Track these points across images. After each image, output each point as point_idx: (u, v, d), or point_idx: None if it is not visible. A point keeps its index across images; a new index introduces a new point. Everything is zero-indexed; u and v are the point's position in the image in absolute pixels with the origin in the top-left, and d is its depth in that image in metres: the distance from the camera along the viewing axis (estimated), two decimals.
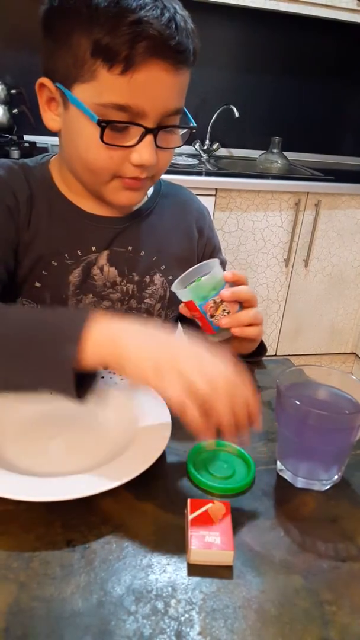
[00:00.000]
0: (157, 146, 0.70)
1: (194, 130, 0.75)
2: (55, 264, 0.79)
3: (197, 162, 2.26)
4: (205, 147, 2.41)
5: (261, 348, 0.84)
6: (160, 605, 0.45)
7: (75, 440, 0.63)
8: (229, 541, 0.49)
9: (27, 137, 2.11)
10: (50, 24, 0.67)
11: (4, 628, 0.42)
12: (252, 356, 0.84)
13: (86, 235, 0.80)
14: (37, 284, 0.79)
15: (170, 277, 0.87)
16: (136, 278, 0.84)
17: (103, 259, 0.81)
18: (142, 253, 0.84)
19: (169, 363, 0.52)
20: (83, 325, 0.55)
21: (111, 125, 0.66)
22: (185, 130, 0.75)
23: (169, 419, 0.63)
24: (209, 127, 2.41)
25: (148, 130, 0.68)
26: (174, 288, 0.72)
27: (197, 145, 2.40)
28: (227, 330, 0.71)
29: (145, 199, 0.87)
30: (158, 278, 0.86)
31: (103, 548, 0.50)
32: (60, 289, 0.80)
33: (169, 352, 0.54)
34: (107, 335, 0.55)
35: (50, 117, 0.73)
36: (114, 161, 0.70)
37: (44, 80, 0.70)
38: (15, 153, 1.91)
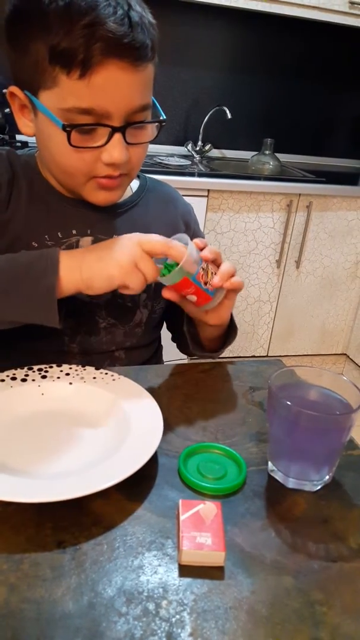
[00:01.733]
0: (127, 143, 0.70)
1: (164, 124, 0.75)
2: (36, 245, 0.79)
3: (189, 163, 2.26)
4: (197, 148, 2.41)
5: (232, 326, 0.86)
6: (151, 606, 0.45)
7: (66, 441, 0.62)
8: (220, 542, 0.49)
9: (19, 137, 2.10)
10: (9, 33, 0.68)
11: None
12: (227, 338, 0.87)
13: (67, 218, 0.81)
14: None
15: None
16: None
17: (87, 244, 0.81)
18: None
19: (126, 261, 0.66)
20: (55, 259, 0.65)
21: (78, 128, 0.67)
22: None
23: (160, 420, 0.63)
24: (201, 128, 2.41)
25: (115, 129, 0.68)
26: (160, 277, 0.72)
27: (189, 146, 2.41)
28: (222, 289, 0.74)
29: (130, 192, 0.88)
30: None
31: (94, 549, 0.50)
32: None
33: (120, 254, 0.66)
34: (74, 263, 0.66)
35: (24, 123, 0.74)
36: (86, 163, 0.71)
37: (13, 88, 0.71)
38: None
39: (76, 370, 0.74)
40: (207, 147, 2.41)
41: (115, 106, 0.67)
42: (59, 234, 0.80)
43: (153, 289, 0.88)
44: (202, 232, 0.99)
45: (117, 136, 0.69)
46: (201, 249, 0.73)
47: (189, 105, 2.42)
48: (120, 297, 0.85)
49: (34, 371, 0.72)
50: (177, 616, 0.44)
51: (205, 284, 0.71)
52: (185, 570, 0.49)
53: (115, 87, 0.65)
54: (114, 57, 0.63)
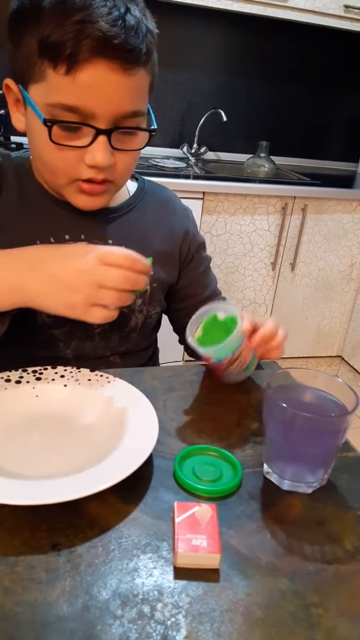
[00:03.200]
0: (113, 147, 0.69)
1: (153, 134, 0.73)
2: None
3: (184, 165, 2.27)
4: (192, 151, 2.41)
5: None
6: (146, 609, 0.45)
7: (60, 443, 0.62)
8: (216, 544, 0.49)
9: (14, 139, 2.10)
10: (10, 28, 0.68)
11: None
12: None
13: (59, 223, 0.79)
14: None
15: (151, 274, 0.86)
16: None
17: None
18: (123, 247, 0.84)
19: (80, 302, 0.60)
20: None
21: (62, 125, 0.66)
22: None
23: (155, 422, 0.63)
24: (197, 130, 2.41)
25: (99, 132, 0.67)
26: (189, 334, 0.72)
27: (184, 149, 2.41)
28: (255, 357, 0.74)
29: (128, 195, 0.87)
30: None
31: (89, 552, 0.49)
32: None
33: (74, 291, 0.60)
34: (12, 284, 0.62)
35: (17, 117, 0.73)
36: (69, 162, 0.70)
37: (8, 81, 0.71)
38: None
39: (71, 372, 0.74)
40: (202, 150, 2.41)
41: (101, 107, 0.65)
42: (51, 239, 0.79)
43: (148, 295, 0.87)
44: (201, 235, 0.99)
45: (102, 139, 0.67)
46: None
47: (185, 107, 2.43)
48: None
49: (28, 373, 0.72)
50: (173, 619, 0.44)
51: (226, 369, 0.72)
52: (181, 573, 0.48)
53: (102, 87, 0.64)
54: (102, 56, 0.62)
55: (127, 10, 0.64)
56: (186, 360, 1.99)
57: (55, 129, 0.66)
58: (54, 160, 0.70)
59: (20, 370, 0.72)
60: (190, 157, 2.40)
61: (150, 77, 0.70)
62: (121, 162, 0.72)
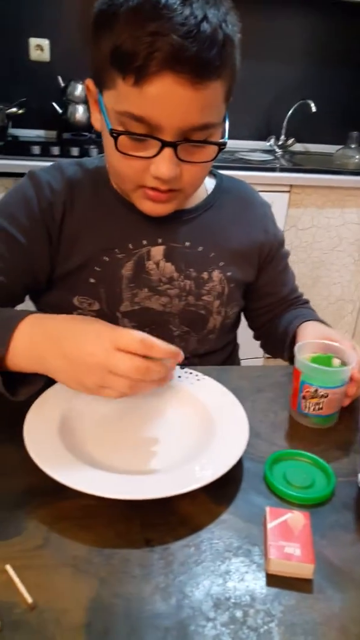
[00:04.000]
0: (180, 159, 0.67)
1: (224, 147, 0.70)
2: (107, 259, 0.79)
3: (271, 158, 2.22)
4: (280, 143, 2.36)
5: None
6: (238, 614, 0.45)
7: (154, 440, 0.63)
8: (309, 554, 0.48)
9: None
10: (92, 31, 0.67)
11: (86, 623, 0.43)
12: None
13: (137, 229, 0.80)
14: (92, 280, 0.80)
15: (229, 274, 0.85)
16: (194, 274, 0.83)
17: (159, 253, 0.81)
18: (200, 249, 0.83)
19: (91, 383, 0.58)
20: (8, 333, 0.62)
21: (129, 135, 0.66)
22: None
23: (246, 423, 0.63)
24: (285, 122, 2.36)
25: (165, 144, 0.65)
26: (298, 346, 0.71)
27: (271, 141, 2.36)
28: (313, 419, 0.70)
29: (205, 194, 0.86)
30: (216, 274, 0.84)
31: (182, 550, 0.50)
32: (114, 283, 0.80)
33: (86, 372, 0.58)
34: (31, 352, 0.62)
35: (95, 117, 0.73)
36: (134, 170, 0.69)
37: (89, 82, 0.71)
38: (94, 152, 1.96)
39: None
40: (290, 142, 2.36)
41: (168, 120, 0.63)
42: (129, 245, 0.79)
43: (226, 295, 0.86)
44: (280, 232, 0.96)
45: (167, 151, 0.65)
46: None
47: (272, 99, 2.37)
48: (193, 305, 0.84)
49: None
50: (265, 627, 0.44)
51: (304, 398, 0.69)
52: (273, 580, 0.48)
53: (169, 101, 0.62)
54: (170, 70, 0.60)
55: (205, 17, 0.60)
56: (267, 357, 1.97)
57: (122, 138, 0.66)
58: (121, 167, 0.70)
59: None
60: (277, 150, 2.35)
61: (225, 86, 0.66)
62: (188, 173, 0.70)
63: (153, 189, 0.70)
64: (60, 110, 2.10)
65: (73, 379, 0.60)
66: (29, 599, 0.44)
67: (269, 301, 0.94)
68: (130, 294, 0.81)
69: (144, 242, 0.80)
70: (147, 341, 0.58)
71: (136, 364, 0.57)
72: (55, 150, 1.98)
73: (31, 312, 0.65)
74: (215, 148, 0.69)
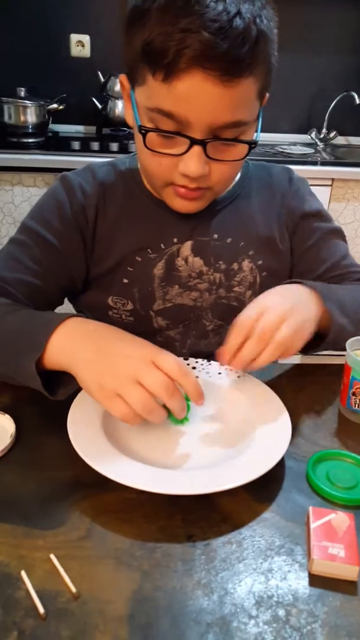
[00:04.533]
0: (209, 157, 0.66)
1: (254, 146, 0.68)
2: (140, 259, 0.79)
3: (312, 151, 2.18)
4: (321, 136, 2.32)
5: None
6: (281, 612, 0.44)
7: (197, 436, 0.63)
8: (354, 555, 0.47)
9: None
10: (125, 26, 0.66)
11: (130, 615, 0.44)
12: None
13: (167, 227, 0.79)
14: (125, 280, 0.80)
15: (259, 262, 0.83)
16: (223, 266, 0.82)
17: (187, 249, 0.80)
18: (229, 240, 0.81)
19: (110, 386, 0.56)
20: (47, 334, 0.62)
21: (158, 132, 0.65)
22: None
23: (288, 422, 0.62)
24: (327, 115, 2.31)
25: (194, 141, 0.64)
26: (349, 342, 0.68)
27: (313, 134, 2.32)
28: None
29: (233, 183, 0.83)
30: (247, 264, 0.82)
31: (223, 547, 0.50)
32: (146, 283, 0.80)
33: (112, 372, 0.57)
34: (65, 346, 0.62)
35: (129, 112, 0.72)
36: (163, 168, 0.68)
37: (122, 77, 0.70)
38: (133, 147, 1.96)
39: (202, 364, 0.75)
40: (332, 135, 2.31)
41: (197, 117, 0.62)
42: (161, 245, 0.79)
43: (259, 284, 0.84)
44: (311, 201, 0.88)
45: (196, 149, 0.64)
46: None
47: (314, 91, 2.33)
48: (225, 297, 0.83)
49: None
50: (309, 627, 0.43)
51: (354, 394, 0.67)
52: (316, 580, 0.47)
53: (199, 98, 0.61)
54: (200, 67, 0.59)
55: (238, 13, 0.59)
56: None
57: (151, 134, 0.66)
58: (150, 164, 0.70)
59: None
60: (318, 143, 2.31)
61: (258, 83, 0.64)
62: (218, 171, 0.69)
63: (182, 186, 0.70)
64: (99, 106, 2.12)
65: (95, 374, 0.58)
66: (73, 589, 0.45)
67: (308, 279, 0.83)
68: (162, 292, 0.81)
69: (175, 240, 0.80)
70: (184, 367, 0.58)
71: (166, 381, 0.56)
72: (95, 145, 2.00)
73: (72, 315, 0.65)
74: (246, 146, 0.68)
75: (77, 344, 0.62)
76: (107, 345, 0.60)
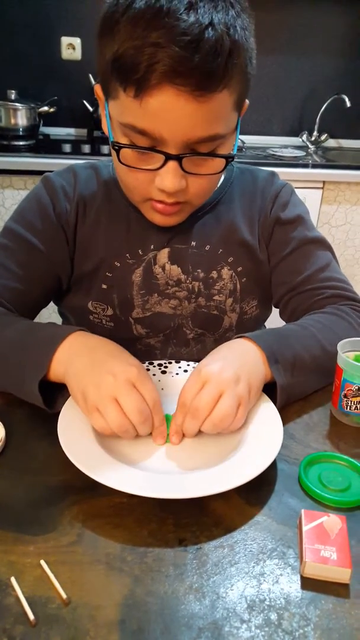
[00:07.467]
0: (186, 172, 0.65)
1: (230, 160, 0.67)
2: (118, 264, 0.79)
3: (303, 154, 2.19)
4: (312, 139, 2.33)
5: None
6: (273, 616, 0.44)
7: (187, 440, 0.63)
8: (346, 558, 0.47)
9: None
10: (97, 35, 0.64)
11: (121, 620, 0.43)
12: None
13: (146, 234, 0.79)
14: (104, 286, 0.80)
15: (239, 269, 0.81)
16: (202, 275, 0.80)
17: (164, 257, 0.79)
18: (207, 247, 0.80)
19: (91, 399, 0.58)
20: (50, 353, 0.63)
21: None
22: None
23: (280, 425, 0.62)
24: (318, 117, 2.32)
25: (169, 157, 0.63)
26: (340, 344, 0.68)
27: (304, 137, 2.33)
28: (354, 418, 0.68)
29: (215, 187, 0.80)
30: (226, 272, 0.81)
31: (215, 551, 0.50)
32: (125, 289, 0.80)
33: (95, 386, 0.58)
34: (65, 359, 0.63)
35: (104, 122, 0.70)
36: (140, 182, 0.67)
37: (97, 87, 0.69)
38: None
39: (194, 367, 0.74)
40: (323, 137, 2.32)
41: (171, 134, 0.61)
42: (139, 251, 0.79)
43: (239, 291, 0.83)
44: (295, 208, 0.85)
45: (172, 164, 0.63)
46: None
47: (305, 94, 2.34)
48: (205, 306, 0.82)
49: (154, 366, 0.74)
50: (301, 630, 0.43)
51: (345, 396, 0.67)
52: (308, 584, 0.47)
53: (172, 114, 0.59)
54: (171, 83, 0.57)
55: (210, 23, 0.56)
56: None
57: (125, 150, 0.64)
58: (127, 179, 0.69)
59: (147, 363, 0.74)
60: (309, 146, 2.32)
61: (234, 95, 0.63)
62: (195, 185, 0.67)
63: (160, 201, 0.68)
64: (91, 109, 2.12)
65: (81, 386, 0.59)
66: (64, 594, 0.45)
67: (281, 292, 0.84)
68: (142, 300, 0.80)
69: (152, 246, 0.79)
70: (159, 404, 0.60)
71: (140, 406, 0.57)
72: (86, 148, 2.00)
73: (76, 330, 0.66)
74: (223, 159, 0.66)
75: (74, 355, 0.63)
76: (99, 359, 0.61)
